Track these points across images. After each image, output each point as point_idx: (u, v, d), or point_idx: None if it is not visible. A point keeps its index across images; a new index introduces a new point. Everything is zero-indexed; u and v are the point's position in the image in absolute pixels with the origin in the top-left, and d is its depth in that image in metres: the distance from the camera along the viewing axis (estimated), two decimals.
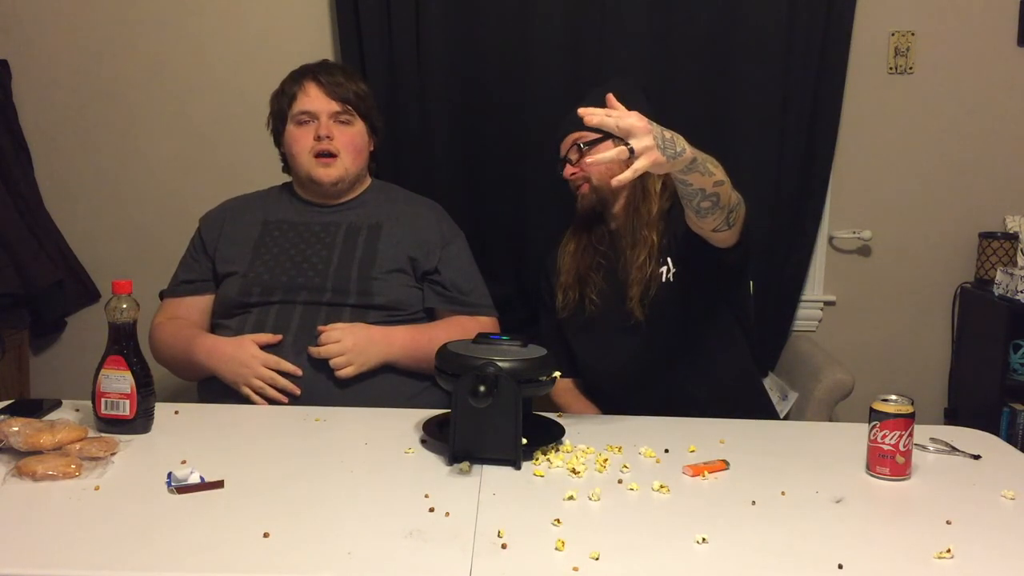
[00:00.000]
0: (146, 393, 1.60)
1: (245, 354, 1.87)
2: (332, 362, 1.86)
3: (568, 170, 2.05)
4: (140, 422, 1.60)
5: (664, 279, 1.96)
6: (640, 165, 1.52)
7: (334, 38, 2.87)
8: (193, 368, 1.97)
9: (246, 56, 2.92)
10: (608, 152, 1.54)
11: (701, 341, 1.99)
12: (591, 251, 2.07)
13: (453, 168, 2.84)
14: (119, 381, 1.58)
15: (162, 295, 2.16)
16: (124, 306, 1.59)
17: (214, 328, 2.07)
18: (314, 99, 2.04)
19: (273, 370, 1.86)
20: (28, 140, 2.96)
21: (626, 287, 1.97)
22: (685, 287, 1.95)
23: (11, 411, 1.67)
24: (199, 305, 2.09)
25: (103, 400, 1.59)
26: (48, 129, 2.97)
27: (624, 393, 2.00)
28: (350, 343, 1.87)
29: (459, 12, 2.77)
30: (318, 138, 2.03)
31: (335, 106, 2.04)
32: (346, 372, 1.86)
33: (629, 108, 1.60)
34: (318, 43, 2.87)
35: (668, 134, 1.56)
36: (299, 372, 1.86)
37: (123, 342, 1.59)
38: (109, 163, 2.99)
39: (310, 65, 2.12)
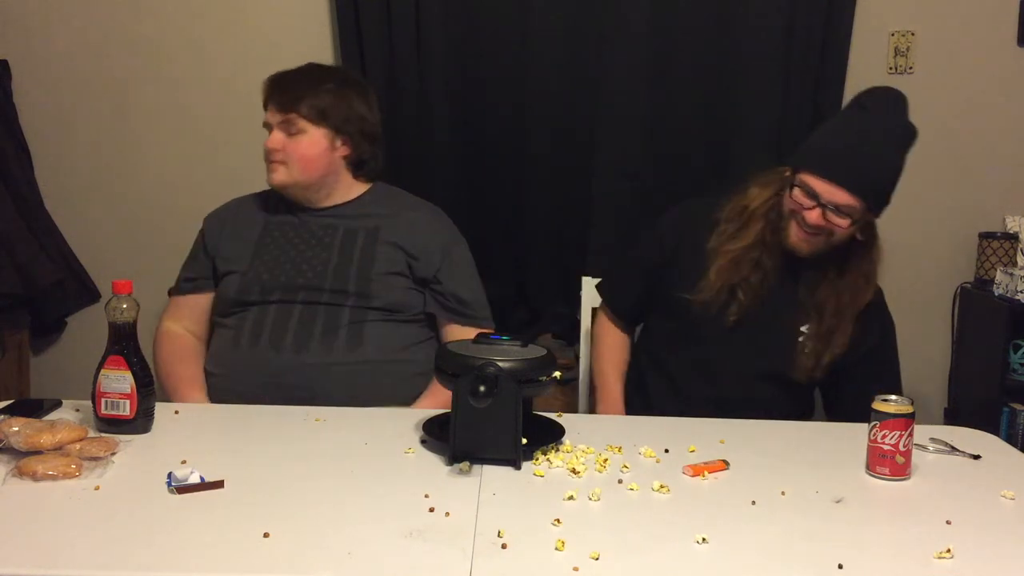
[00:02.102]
0: (146, 393, 1.60)
1: None
2: None
3: (818, 219, 1.81)
4: (140, 422, 1.60)
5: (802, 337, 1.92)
6: None
7: (334, 38, 2.87)
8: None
9: (246, 56, 2.92)
10: None
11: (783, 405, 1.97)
12: (758, 265, 1.92)
13: (453, 168, 2.84)
14: (119, 381, 1.58)
15: (170, 292, 2.18)
16: (124, 306, 1.59)
17: (214, 327, 2.08)
18: (269, 111, 2.05)
19: None
20: (28, 140, 2.96)
21: (781, 338, 1.92)
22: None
23: (11, 411, 1.66)
24: (201, 303, 2.11)
25: (103, 400, 1.59)
26: (48, 129, 2.97)
27: (683, 392, 1.96)
28: None
29: (459, 11, 2.77)
30: (264, 146, 2.05)
31: (280, 117, 2.03)
32: None
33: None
34: (318, 43, 2.88)
35: None
36: None
37: (123, 342, 1.59)
38: (109, 163, 2.99)
39: (278, 73, 2.10)
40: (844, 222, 1.80)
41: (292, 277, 2.00)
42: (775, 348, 1.93)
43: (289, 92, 2.03)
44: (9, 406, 1.71)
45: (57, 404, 1.75)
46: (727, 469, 1.50)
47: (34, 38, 2.93)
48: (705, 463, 1.49)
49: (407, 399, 1.93)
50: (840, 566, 1.17)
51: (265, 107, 2.07)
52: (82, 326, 3.05)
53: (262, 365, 1.93)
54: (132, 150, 2.99)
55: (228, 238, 2.10)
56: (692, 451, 1.57)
